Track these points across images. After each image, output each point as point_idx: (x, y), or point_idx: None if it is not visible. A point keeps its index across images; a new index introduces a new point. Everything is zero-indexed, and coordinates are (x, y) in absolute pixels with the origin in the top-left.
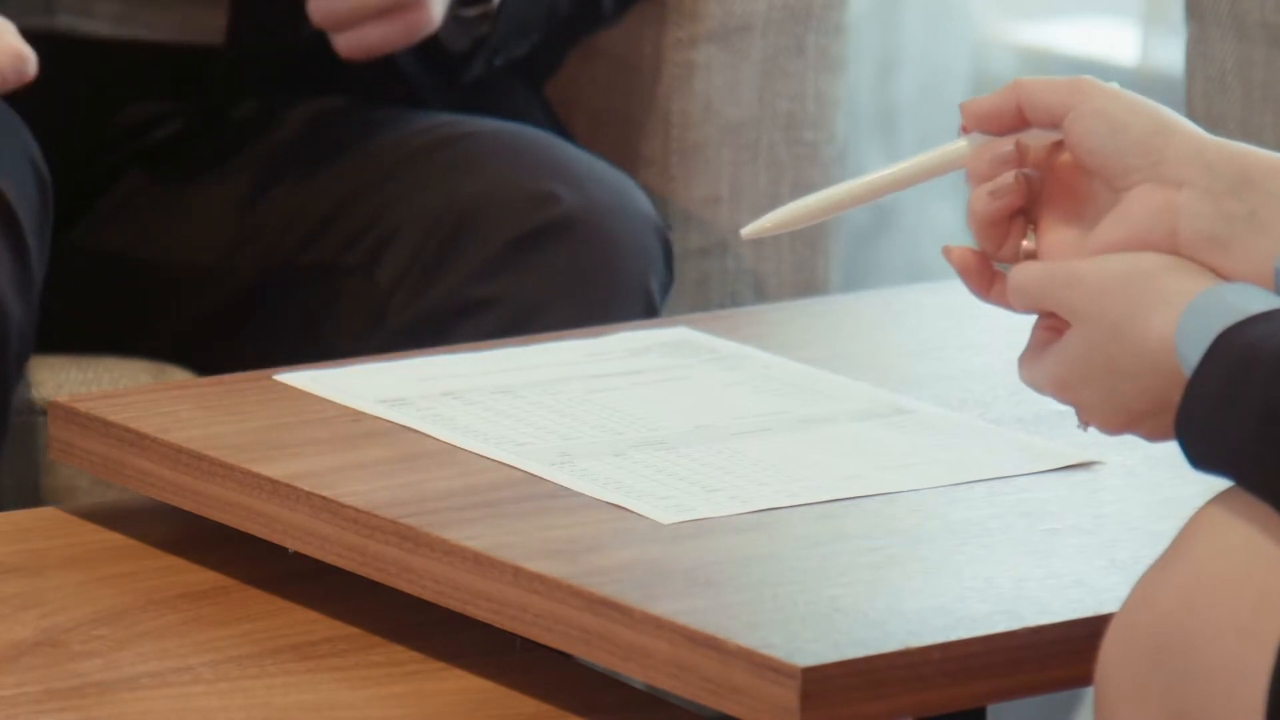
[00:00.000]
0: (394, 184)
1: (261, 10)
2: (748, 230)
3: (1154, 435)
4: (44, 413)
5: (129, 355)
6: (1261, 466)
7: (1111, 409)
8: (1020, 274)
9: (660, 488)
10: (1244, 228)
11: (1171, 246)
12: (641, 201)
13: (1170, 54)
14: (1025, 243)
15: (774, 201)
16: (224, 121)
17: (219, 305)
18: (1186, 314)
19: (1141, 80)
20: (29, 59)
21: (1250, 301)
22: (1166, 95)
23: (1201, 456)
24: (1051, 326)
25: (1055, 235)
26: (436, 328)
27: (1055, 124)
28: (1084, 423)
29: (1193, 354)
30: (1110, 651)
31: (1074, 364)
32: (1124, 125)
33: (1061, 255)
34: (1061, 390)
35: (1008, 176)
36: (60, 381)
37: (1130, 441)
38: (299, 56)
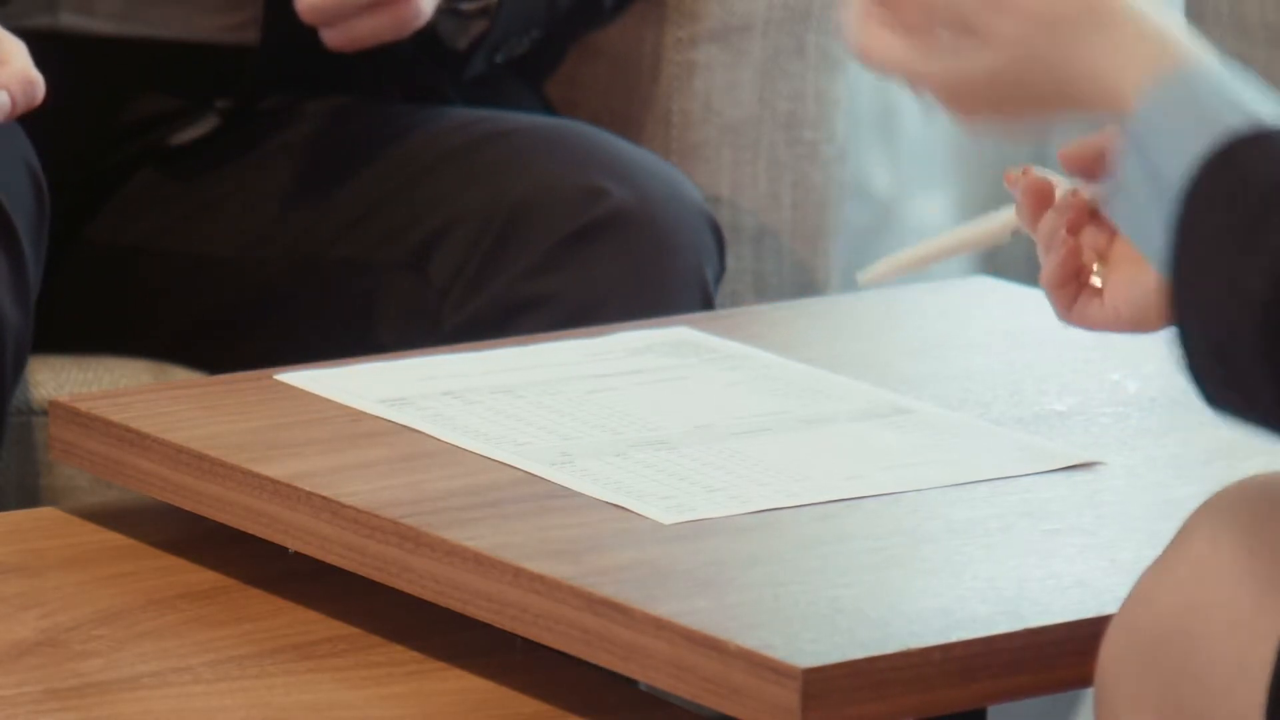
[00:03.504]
0: (436, 181)
1: (287, 8)
2: (865, 277)
3: (1013, 130)
4: (44, 413)
5: (142, 349)
6: (1262, 380)
7: (996, 119)
8: None
9: (661, 488)
10: None
11: None
12: (691, 192)
13: None
14: (1094, 280)
15: (774, 201)
16: (247, 117)
17: (241, 299)
18: (1151, 105)
19: None
20: (39, 84)
21: (1222, 102)
22: None
23: (1194, 344)
24: (956, 27)
25: (1121, 271)
26: (494, 325)
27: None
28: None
29: (1167, 169)
30: (1110, 650)
31: (979, 84)
32: None
33: (1122, 291)
34: (951, 100)
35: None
36: (60, 381)
37: (1131, 442)
38: (321, 54)
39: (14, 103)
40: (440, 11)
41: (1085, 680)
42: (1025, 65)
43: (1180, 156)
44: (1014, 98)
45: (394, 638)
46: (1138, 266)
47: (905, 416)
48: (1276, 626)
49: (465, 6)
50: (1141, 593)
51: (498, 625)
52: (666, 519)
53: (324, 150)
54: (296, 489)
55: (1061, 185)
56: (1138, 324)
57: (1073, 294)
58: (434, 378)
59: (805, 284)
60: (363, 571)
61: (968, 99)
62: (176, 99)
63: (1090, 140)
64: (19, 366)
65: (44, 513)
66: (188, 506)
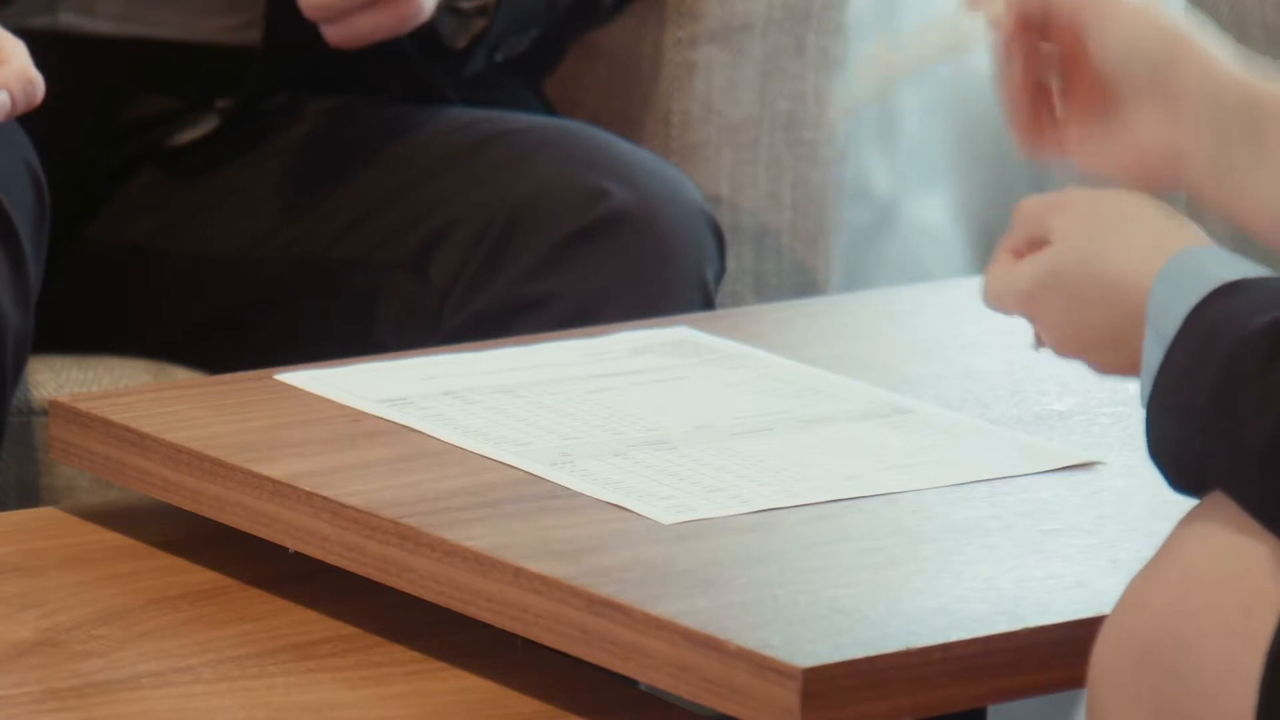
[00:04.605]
0: (437, 181)
1: (289, 9)
2: (841, 108)
3: (1105, 368)
4: (44, 413)
5: (143, 349)
6: (1208, 442)
7: (1068, 331)
8: (1026, 202)
9: (661, 488)
10: (1245, 163)
11: (1173, 173)
12: (692, 193)
13: None
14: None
15: (774, 201)
16: (248, 117)
17: (241, 299)
18: (1160, 280)
19: None
20: (39, 84)
21: (1219, 267)
22: None
23: (1160, 437)
24: (1018, 251)
25: (1077, 124)
26: (494, 325)
27: (1075, 25)
28: (1039, 342)
29: (1167, 329)
30: (1101, 653)
31: (1042, 279)
32: (1136, 50)
33: (1080, 143)
34: (1025, 302)
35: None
36: (60, 381)
37: (1131, 442)
38: (323, 54)
39: (14, 102)
40: (440, 9)
41: (1084, 680)
42: (1073, 258)
43: (1178, 315)
44: (1067, 294)
45: (394, 638)
46: (1095, 121)
47: (905, 416)
48: (1267, 631)
49: (465, 5)
50: (1133, 596)
51: (498, 625)
52: (666, 519)
53: (324, 150)
54: (296, 489)
55: None
56: (1105, 177)
57: (1035, 117)
58: (434, 378)
59: (805, 284)
60: (363, 571)
61: (1041, 302)
62: (177, 99)
63: None
64: (19, 366)
65: (44, 513)
66: (188, 506)
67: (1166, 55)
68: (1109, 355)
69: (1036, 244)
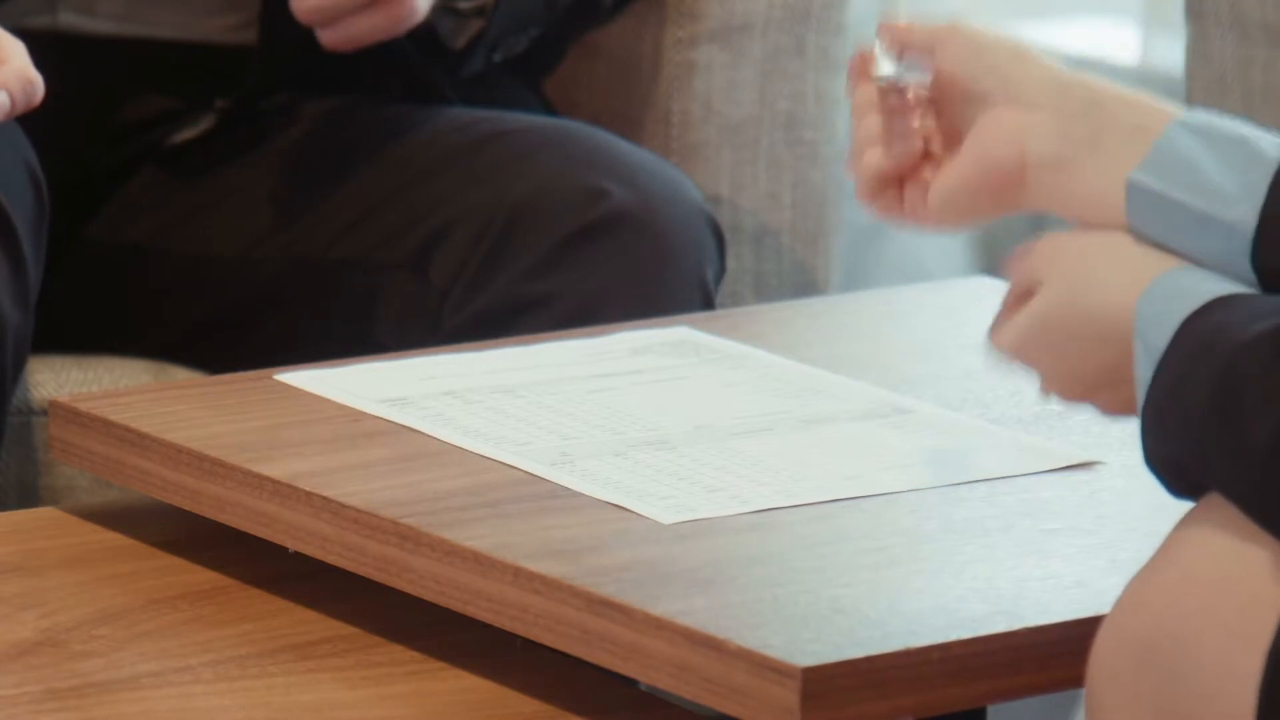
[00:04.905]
0: (437, 181)
1: (285, 9)
2: None
3: (1110, 408)
4: (44, 413)
5: (142, 349)
6: (1206, 445)
7: (1067, 375)
8: (1015, 253)
9: (661, 488)
10: (1087, 149)
11: (1019, 166)
12: (692, 193)
13: (1170, 54)
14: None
15: (774, 201)
16: (246, 117)
17: (241, 299)
18: (1145, 299)
19: (1141, 80)
20: (38, 84)
21: (1204, 282)
22: (1167, 95)
23: (1157, 444)
24: (1014, 303)
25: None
26: (494, 325)
27: (929, 47)
28: (1044, 390)
29: (1158, 341)
30: (1100, 653)
31: (1034, 327)
32: (984, 50)
33: (932, 183)
34: (1020, 352)
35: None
36: (60, 381)
37: (1130, 441)
38: (320, 54)
39: (13, 102)
40: (438, 10)
41: (1084, 680)
42: (1058, 304)
43: (1169, 328)
44: (1058, 340)
45: (394, 638)
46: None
47: (905, 416)
48: (1266, 633)
49: (462, 5)
50: (1132, 597)
51: (498, 625)
52: (666, 519)
53: (324, 150)
54: (296, 489)
55: (883, 67)
56: (942, 220)
57: (887, 175)
58: (434, 378)
59: (805, 284)
60: (363, 571)
61: (1035, 352)
62: (176, 99)
63: (922, 27)
64: (19, 366)
65: (44, 513)
66: (188, 506)
67: (1012, 56)
68: (1111, 395)
69: (1029, 294)
